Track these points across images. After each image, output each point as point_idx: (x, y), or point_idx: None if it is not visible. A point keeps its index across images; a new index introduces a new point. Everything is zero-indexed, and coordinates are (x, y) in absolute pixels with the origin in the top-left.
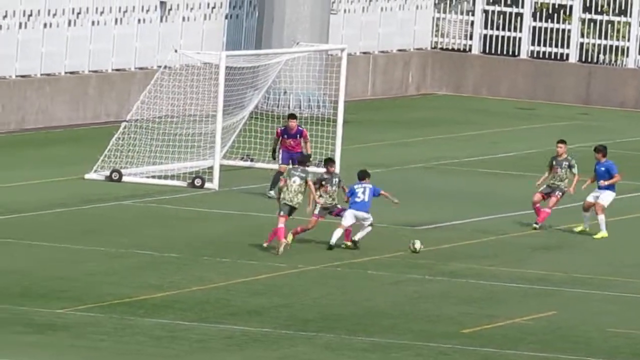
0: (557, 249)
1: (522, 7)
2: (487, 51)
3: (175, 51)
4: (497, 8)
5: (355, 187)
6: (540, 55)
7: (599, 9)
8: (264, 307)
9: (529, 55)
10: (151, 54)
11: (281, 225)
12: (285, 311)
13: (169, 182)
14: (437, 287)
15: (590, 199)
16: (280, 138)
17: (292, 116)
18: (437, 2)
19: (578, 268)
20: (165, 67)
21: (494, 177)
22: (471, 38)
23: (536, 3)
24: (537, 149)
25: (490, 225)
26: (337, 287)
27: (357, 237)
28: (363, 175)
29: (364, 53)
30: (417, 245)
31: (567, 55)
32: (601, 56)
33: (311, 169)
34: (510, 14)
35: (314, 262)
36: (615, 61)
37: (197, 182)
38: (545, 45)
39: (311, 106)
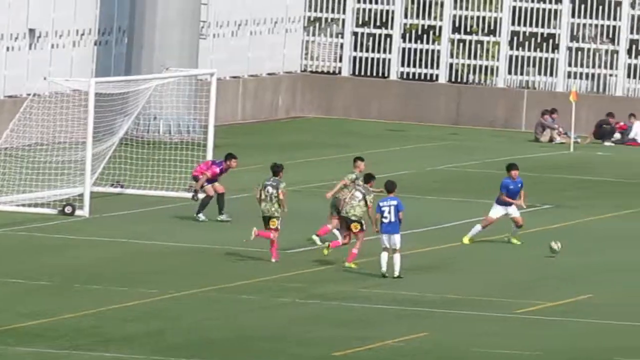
0: (430, 270)
1: (392, 28)
2: (356, 73)
3: (45, 79)
4: (366, 30)
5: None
6: (410, 76)
7: (468, 29)
8: (136, 333)
9: (399, 76)
10: (20, 81)
11: (270, 234)
12: (158, 337)
13: (39, 210)
14: (309, 311)
15: (497, 215)
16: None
17: (233, 156)
18: (306, 25)
19: (451, 289)
20: (34, 94)
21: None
22: (341, 60)
23: (405, 24)
24: (408, 170)
25: (363, 246)
26: (209, 313)
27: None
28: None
29: (234, 77)
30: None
31: (437, 75)
32: (471, 76)
33: (177, 194)
34: (380, 35)
35: (185, 287)
36: (485, 81)
37: (68, 209)
38: (415, 66)
39: (181, 131)
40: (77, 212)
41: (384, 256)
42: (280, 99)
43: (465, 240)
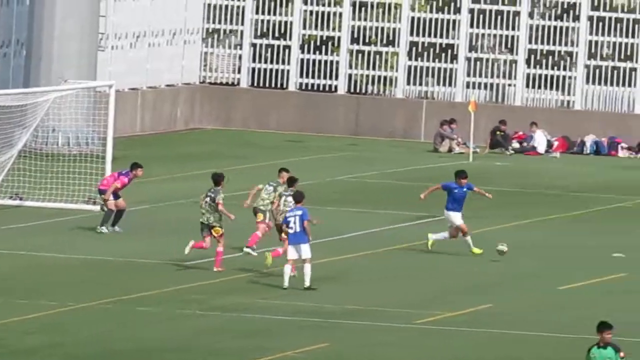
0: (329, 280)
1: (290, 39)
2: (255, 84)
3: None
4: (265, 41)
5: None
6: (309, 87)
7: (367, 40)
8: (38, 346)
9: (298, 87)
10: None
11: (204, 244)
12: (60, 349)
13: None
14: (211, 322)
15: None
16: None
17: (139, 165)
18: (204, 37)
19: (350, 300)
20: None
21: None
22: (239, 72)
23: (304, 35)
24: (308, 181)
25: (259, 258)
26: (109, 325)
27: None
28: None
29: (132, 89)
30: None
31: (336, 86)
32: (369, 87)
33: (77, 206)
34: (278, 46)
35: (85, 299)
36: (384, 91)
37: None
38: (313, 77)
39: (80, 143)
40: None
41: (287, 269)
42: (179, 110)
43: (477, 250)
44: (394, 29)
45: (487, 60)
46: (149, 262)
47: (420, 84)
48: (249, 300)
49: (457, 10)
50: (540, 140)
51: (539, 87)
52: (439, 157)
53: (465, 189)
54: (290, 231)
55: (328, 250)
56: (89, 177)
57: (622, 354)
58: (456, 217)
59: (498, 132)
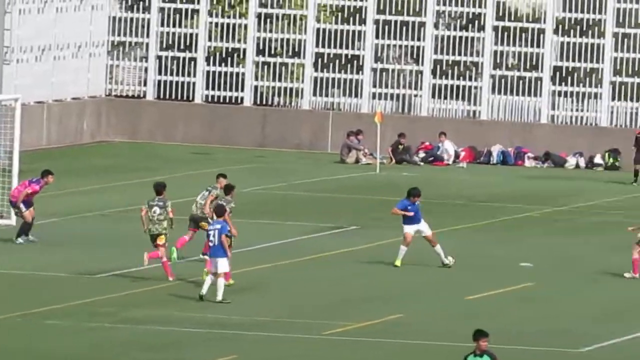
0: (238, 292)
1: (195, 52)
2: (161, 97)
3: None
4: (170, 54)
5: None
6: (215, 100)
7: (273, 52)
8: None
9: (204, 99)
10: None
11: (159, 253)
12: None
13: None
14: (120, 335)
15: (412, 232)
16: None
17: (50, 172)
18: (110, 50)
19: (258, 311)
20: None
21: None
22: (145, 84)
23: (209, 47)
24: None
25: (178, 268)
26: (13, 339)
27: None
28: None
29: (38, 102)
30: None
31: (242, 98)
32: (276, 98)
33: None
34: (184, 59)
35: None
36: (290, 103)
37: None
38: (219, 89)
39: None
40: None
41: (208, 279)
42: (85, 123)
43: (397, 263)
44: (300, 41)
45: (393, 71)
46: (58, 275)
47: (327, 95)
48: (160, 312)
49: (362, 22)
50: (449, 150)
51: (445, 97)
52: (346, 168)
53: (417, 204)
54: (211, 244)
55: (239, 262)
56: None
57: None
58: (424, 228)
59: (399, 146)
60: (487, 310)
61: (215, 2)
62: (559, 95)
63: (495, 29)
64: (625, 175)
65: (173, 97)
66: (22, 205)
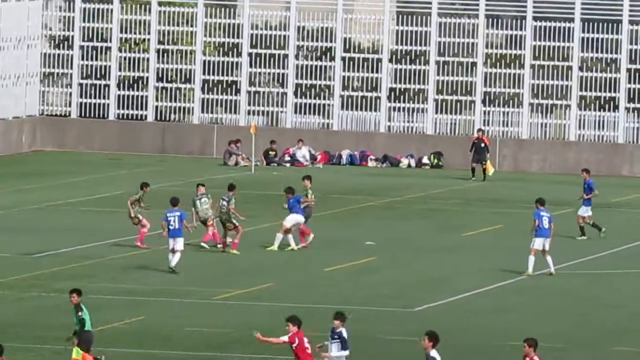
0: (143, 268)
1: (109, 79)
2: (83, 115)
3: None
4: (89, 81)
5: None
6: (125, 117)
7: (169, 79)
8: None
9: (116, 117)
10: None
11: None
12: None
13: None
14: (51, 302)
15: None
16: None
17: None
18: (42, 79)
19: (163, 282)
20: None
21: (92, 214)
22: (70, 105)
23: (120, 76)
24: (123, 190)
25: (90, 251)
26: None
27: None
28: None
29: None
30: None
31: (146, 115)
32: (173, 115)
33: None
34: (101, 85)
35: None
36: (184, 118)
37: None
38: (128, 108)
39: None
40: None
41: (171, 255)
42: (23, 137)
43: (273, 248)
44: (191, 70)
45: (264, 92)
46: (3, 256)
47: (212, 112)
48: (82, 283)
49: (239, 54)
50: (305, 153)
51: (305, 112)
52: (228, 169)
53: (291, 200)
54: (171, 227)
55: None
56: None
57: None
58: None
59: (270, 151)
60: (340, 278)
61: (123, 40)
62: (394, 110)
63: (343, 59)
64: (448, 172)
65: (92, 115)
66: None
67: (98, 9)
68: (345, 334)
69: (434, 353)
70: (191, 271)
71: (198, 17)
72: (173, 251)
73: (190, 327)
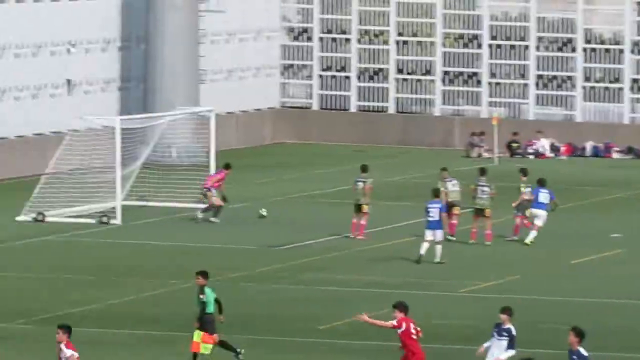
0: (388, 260)
1: (349, 71)
2: (324, 107)
3: (80, 118)
4: (329, 73)
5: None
6: (366, 109)
7: (410, 71)
8: (161, 315)
9: (357, 109)
10: (62, 120)
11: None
12: (180, 317)
13: (82, 220)
14: (296, 294)
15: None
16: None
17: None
18: (282, 71)
19: (408, 274)
20: (73, 130)
21: (336, 205)
22: (311, 97)
23: (359, 68)
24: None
25: (336, 243)
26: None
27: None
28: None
29: (229, 113)
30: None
31: (387, 107)
32: (414, 107)
33: (186, 205)
34: (340, 77)
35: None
36: (425, 110)
37: (104, 219)
38: (369, 100)
39: (190, 156)
40: (112, 221)
41: (425, 245)
42: (265, 129)
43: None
44: (431, 61)
45: (505, 84)
46: (247, 248)
47: (453, 104)
48: (327, 275)
49: (479, 46)
50: (545, 145)
51: (546, 104)
52: (470, 161)
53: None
54: (430, 219)
55: (387, 236)
56: (196, 183)
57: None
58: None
59: (512, 143)
60: (587, 271)
61: (363, 32)
62: (637, 101)
63: (585, 50)
64: None
65: (333, 107)
66: (212, 190)
67: (337, 1)
68: (514, 332)
69: (582, 350)
70: (431, 264)
71: (437, 8)
72: (429, 242)
73: (437, 319)
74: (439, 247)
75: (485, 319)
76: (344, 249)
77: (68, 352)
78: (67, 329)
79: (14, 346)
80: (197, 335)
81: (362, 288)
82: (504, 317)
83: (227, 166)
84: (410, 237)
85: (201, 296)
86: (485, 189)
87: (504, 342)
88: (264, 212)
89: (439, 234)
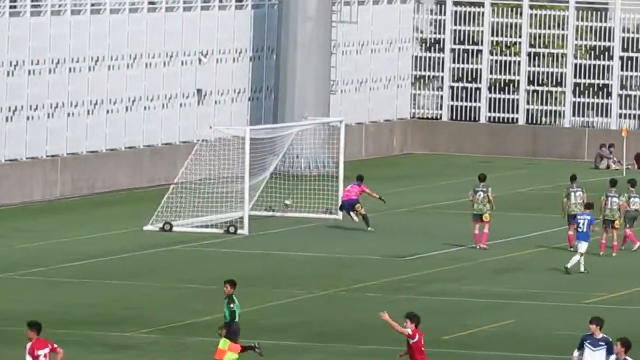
0: (514, 270)
1: (480, 82)
2: (454, 118)
3: (210, 127)
4: (460, 84)
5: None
6: (496, 120)
7: (541, 82)
8: (287, 325)
9: (487, 120)
10: (191, 130)
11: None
12: (305, 327)
13: (209, 230)
14: (421, 304)
15: None
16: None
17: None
18: (413, 81)
19: (533, 285)
20: (203, 140)
21: (462, 216)
22: (441, 108)
23: (491, 79)
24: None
25: (462, 254)
26: (342, 308)
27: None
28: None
29: (358, 123)
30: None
31: (517, 119)
32: (544, 118)
33: (317, 215)
34: (471, 88)
35: (325, 287)
36: (555, 121)
37: (231, 229)
38: (499, 111)
39: (318, 166)
40: (239, 231)
41: (576, 257)
42: (395, 139)
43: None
44: (561, 73)
45: (635, 96)
46: (374, 258)
47: (583, 116)
48: (453, 286)
49: (611, 58)
50: None
51: None
52: (599, 172)
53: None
54: (580, 230)
55: (510, 247)
56: (326, 193)
57: None
58: None
59: None
60: None
61: (495, 43)
62: None
63: None
64: None
65: (463, 118)
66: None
67: (469, 12)
68: (610, 339)
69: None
70: (563, 274)
71: (569, 20)
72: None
73: (559, 330)
74: (581, 258)
75: (606, 331)
76: (469, 259)
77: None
78: (34, 327)
79: (139, 355)
80: (224, 343)
81: (488, 298)
82: (593, 327)
83: (360, 178)
84: (535, 248)
85: (231, 305)
86: (615, 199)
87: (601, 352)
88: (288, 202)
89: (582, 246)
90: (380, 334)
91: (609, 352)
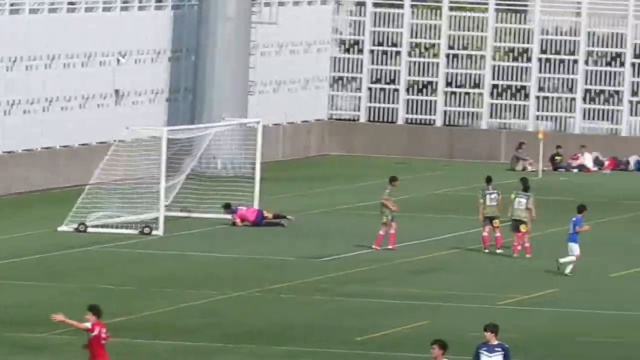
0: (429, 272)
1: (398, 84)
2: (371, 119)
3: (127, 128)
4: (379, 86)
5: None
6: (412, 121)
7: (458, 84)
8: (201, 325)
9: (405, 121)
10: (108, 131)
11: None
12: (218, 328)
13: (124, 231)
14: (336, 305)
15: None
16: None
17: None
18: (331, 83)
19: (448, 287)
20: (119, 140)
21: (378, 217)
22: (359, 110)
23: (408, 81)
24: (409, 194)
25: (376, 255)
26: (255, 309)
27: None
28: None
29: (275, 124)
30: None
31: (435, 120)
32: (461, 120)
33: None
34: (389, 90)
35: (240, 289)
36: (472, 123)
37: (146, 230)
38: (417, 113)
39: (235, 167)
40: (154, 232)
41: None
42: (312, 141)
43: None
44: (480, 75)
45: (553, 98)
46: (289, 259)
47: (500, 117)
48: (367, 288)
49: (529, 59)
50: (588, 159)
51: (593, 118)
52: (515, 174)
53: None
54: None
55: (427, 248)
56: (242, 194)
57: None
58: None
59: (556, 157)
60: (626, 285)
61: (414, 45)
62: None
63: (633, 64)
64: None
65: (380, 119)
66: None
67: (389, 14)
68: (506, 345)
69: None
70: (478, 276)
71: (489, 22)
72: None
73: (473, 331)
74: (569, 259)
75: (521, 332)
76: (385, 260)
77: None
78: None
79: (53, 356)
80: None
81: (402, 300)
82: (488, 334)
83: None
84: (450, 249)
85: None
86: (522, 199)
87: (499, 357)
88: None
89: (574, 248)
90: (293, 334)
91: (506, 358)
